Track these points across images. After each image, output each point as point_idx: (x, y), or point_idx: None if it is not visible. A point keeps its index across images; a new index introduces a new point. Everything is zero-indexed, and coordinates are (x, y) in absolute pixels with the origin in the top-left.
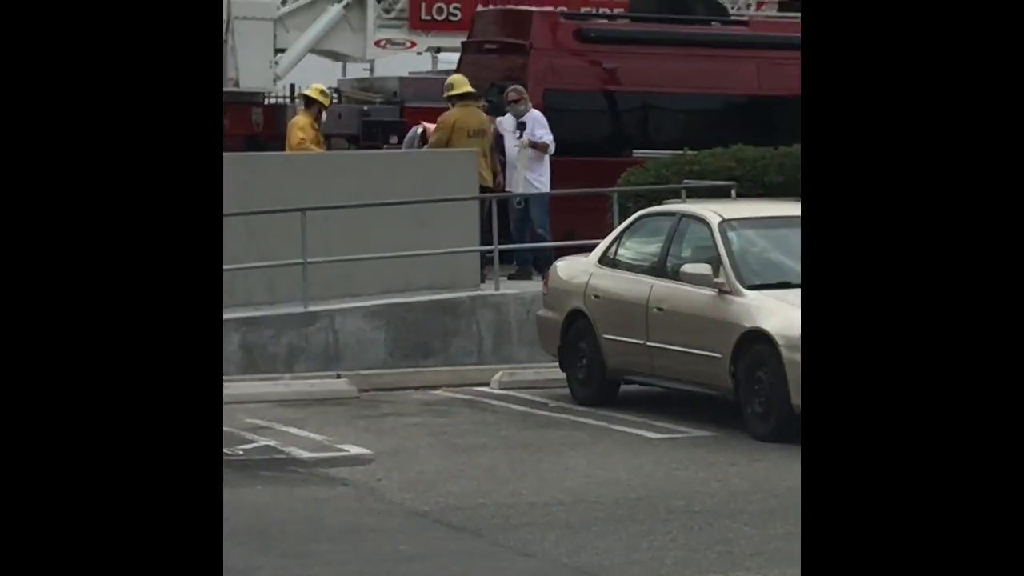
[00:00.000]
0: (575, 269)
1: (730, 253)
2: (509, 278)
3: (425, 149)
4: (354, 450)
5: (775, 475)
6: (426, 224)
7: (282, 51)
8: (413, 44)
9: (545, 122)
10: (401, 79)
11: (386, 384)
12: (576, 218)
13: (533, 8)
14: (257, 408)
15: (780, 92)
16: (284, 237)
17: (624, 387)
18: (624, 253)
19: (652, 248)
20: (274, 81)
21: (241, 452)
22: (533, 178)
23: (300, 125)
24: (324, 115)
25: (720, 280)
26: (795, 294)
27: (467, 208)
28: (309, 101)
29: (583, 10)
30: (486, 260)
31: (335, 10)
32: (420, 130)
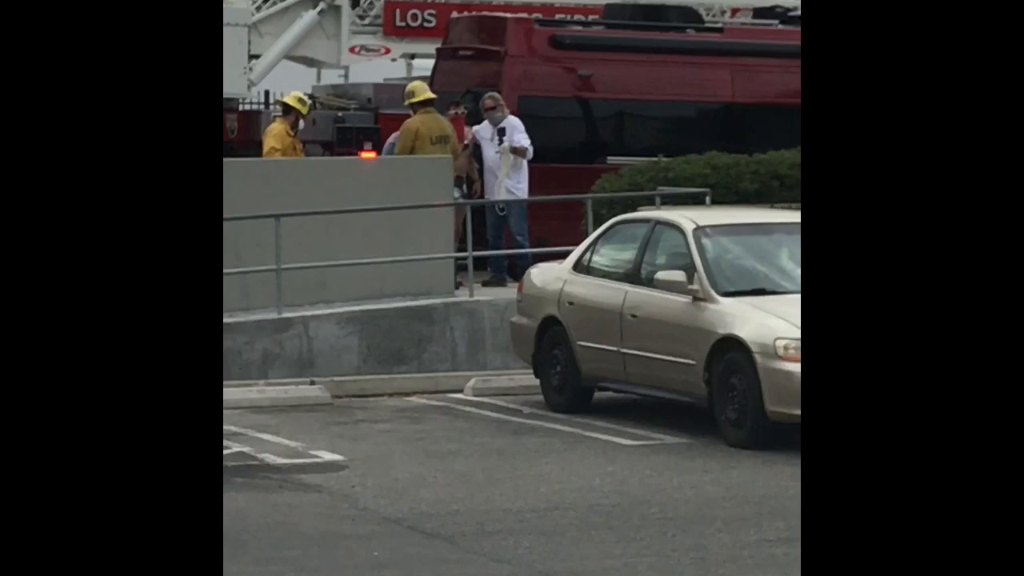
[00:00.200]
0: (549, 276)
1: (704, 260)
2: (483, 284)
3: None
4: (328, 456)
5: (749, 482)
6: (400, 231)
7: (256, 57)
8: (388, 50)
9: (523, 128)
10: (376, 85)
11: (360, 390)
12: (550, 225)
13: (508, 15)
14: (231, 414)
15: (755, 99)
16: (258, 243)
17: (598, 394)
18: (598, 260)
19: (626, 255)
20: (248, 87)
21: None
22: (511, 185)
23: (275, 133)
24: (302, 123)
25: (694, 287)
26: (769, 301)
27: (441, 215)
28: (287, 109)
29: (558, 17)
30: (460, 267)
31: (310, 16)
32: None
